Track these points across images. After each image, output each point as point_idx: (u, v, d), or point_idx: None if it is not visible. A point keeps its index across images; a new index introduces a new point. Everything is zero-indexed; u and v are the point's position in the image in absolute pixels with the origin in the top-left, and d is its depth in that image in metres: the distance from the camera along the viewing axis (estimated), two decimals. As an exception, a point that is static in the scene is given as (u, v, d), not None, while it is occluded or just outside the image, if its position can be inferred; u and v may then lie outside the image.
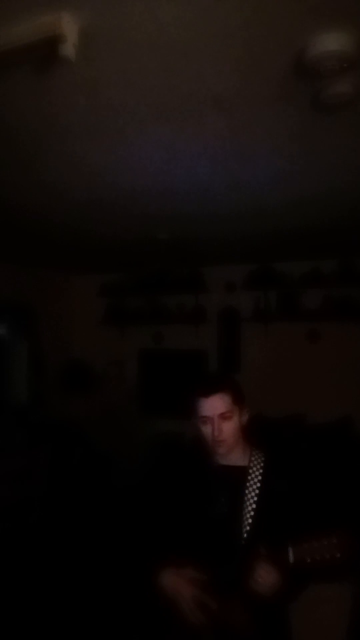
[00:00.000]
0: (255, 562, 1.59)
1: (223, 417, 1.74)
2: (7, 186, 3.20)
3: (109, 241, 4.84)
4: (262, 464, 1.80)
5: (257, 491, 1.74)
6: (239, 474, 1.78)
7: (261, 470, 1.79)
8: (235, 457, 1.80)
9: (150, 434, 5.82)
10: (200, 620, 1.64)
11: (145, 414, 6.18)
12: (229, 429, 1.75)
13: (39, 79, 1.86)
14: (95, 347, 6.58)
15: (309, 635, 1.87)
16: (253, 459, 1.81)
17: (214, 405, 1.74)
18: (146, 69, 1.82)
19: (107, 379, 6.47)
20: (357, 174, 2.96)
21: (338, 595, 1.99)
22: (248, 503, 1.73)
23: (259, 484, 1.76)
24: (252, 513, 1.71)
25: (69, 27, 1.52)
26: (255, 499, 1.73)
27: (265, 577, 1.57)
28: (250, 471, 1.78)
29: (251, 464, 1.80)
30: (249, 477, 1.77)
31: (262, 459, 1.82)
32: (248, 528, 1.70)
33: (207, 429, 1.75)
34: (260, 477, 1.77)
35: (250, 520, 1.71)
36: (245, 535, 1.70)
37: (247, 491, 1.75)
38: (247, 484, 1.76)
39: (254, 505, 1.72)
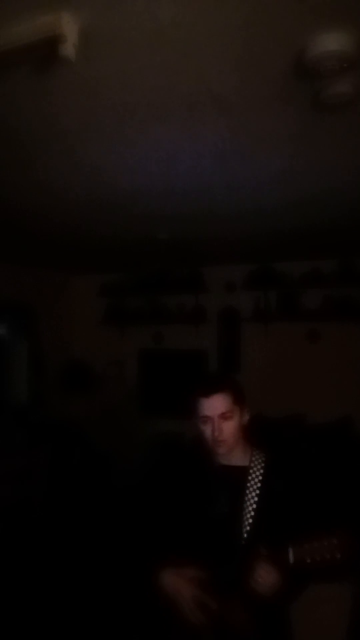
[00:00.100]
0: (255, 562, 1.59)
1: (223, 417, 1.74)
2: (7, 186, 3.20)
3: (109, 241, 4.84)
4: (262, 464, 1.80)
5: (257, 491, 1.74)
6: (240, 474, 1.78)
7: (262, 471, 1.78)
8: (236, 457, 1.80)
9: (150, 434, 5.82)
10: (200, 620, 1.64)
11: (145, 414, 6.18)
12: (229, 429, 1.75)
13: (39, 79, 1.86)
14: (95, 347, 6.58)
15: (309, 635, 1.87)
16: (254, 459, 1.81)
17: (215, 405, 1.74)
18: (146, 69, 1.82)
19: (107, 379, 6.47)
20: (357, 174, 2.96)
21: (338, 595, 1.99)
22: (248, 503, 1.73)
23: (259, 484, 1.76)
24: (252, 513, 1.72)
25: (69, 27, 1.52)
26: (256, 499, 1.73)
27: (265, 577, 1.57)
28: (251, 471, 1.78)
29: (252, 464, 1.80)
30: (250, 477, 1.77)
31: (263, 459, 1.82)
32: (248, 528, 1.70)
33: (207, 429, 1.75)
34: (260, 477, 1.77)
35: (250, 520, 1.71)
36: (245, 535, 1.70)
37: (247, 491, 1.75)
38: (248, 484, 1.76)
39: (254, 506, 1.72)
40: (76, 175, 3.01)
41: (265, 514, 1.71)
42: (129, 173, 2.94)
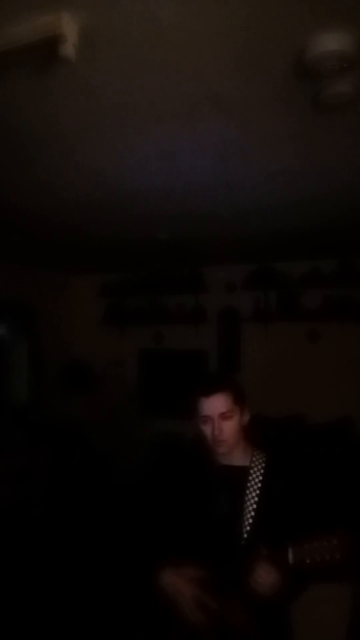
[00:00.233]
0: (255, 562, 1.59)
1: (223, 416, 1.74)
2: (7, 186, 3.20)
3: (109, 241, 4.84)
4: (263, 464, 1.80)
5: (257, 491, 1.74)
6: (240, 474, 1.78)
7: (262, 471, 1.78)
8: (236, 457, 1.80)
9: (150, 434, 5.82)
10: (200, 620, 1.64)
11: (145, 414, 6.18)
12: (229, 429, 1.75)
13: (39, 79, 1.86)
14: (95, 347, 6.58)
15: (309, 635, 1.87)
16: (254, 459, 1.81)
17: (215, 404, 1.74)
18: (146, 69, 1.82)
19: (107, 379, 6.47)
20: (357, 174, 2.96)
21: (338, 595, 1.99)
22: (249, 503, 1.73)
23: (259, 484, 1.76)
24: (252, 513, 1.72)
25: (69, 27, 1.52)
26: (256, 499, 1.73)
27: (265, 577, 1.57)
28: (251, 471, 1.78)
29: (252, 464, 1.80)
30: (250, 478, 1.77)
31: (263, 459, 1.82)
32: (248, 528, 1.70)
33: (207, 429, 1.75)
34: (261, 478, 1.77)
35: (250, 521, 1.71)
36: (245, 535, 1.70)
37: (247, 491, 1.75)
38: (248, 484, 1.76)
39: (254, 506, 1.72)
40: (76, 175, 3.01)
41: (266, 514, 1.71)
42: (129, 173, 2.94)
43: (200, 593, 1.66)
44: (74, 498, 5.08)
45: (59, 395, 6.14)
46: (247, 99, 2.06)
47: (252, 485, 1.76)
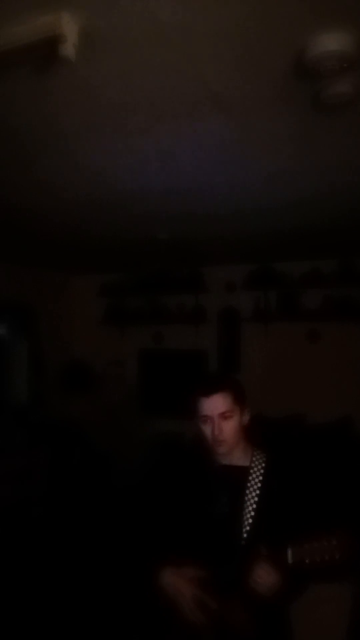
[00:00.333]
0: (254, 562, 1.59)
1: (223, 416, 1.74)
2: (7, 186, 3.20)
3: (109, 241, 4.84)
4: (263, 465, 1.80)
5: (257, 491, 1.74)
6: (240, 474, 1.78)
7: (262, 471, 1.78)
8: (237, 457, 1.80)
9: (150, 434, 5.82)
10: (200, 620, 1.64)
11: (145, 414, 6.18)
12: (229, 429, 1.75)
13: (39, 79, 1.86)
14: (95, 347, 6.58)
15: (309, 635, 1.87)
16: (254, 459, 1.81)
17: (215, 404, 1.74)
18: (146, 69, 1.82)
19: (107, 379, 6.47)
20: (357, 174, 2.96)
21: (338, 595, 2.00)
22: (248, 503, 1.73)
23: (259, 484, 1.76)
24: (252, 513, 1.71)
25: (69, 27, 1.52)
26: (256, 499, 1.73)
27: (264, 577, 1.57)
28: (252, 471, 1.78)
29: (252, 464, 1.80)
30: (250, 478, 1.77)
31: (263, 459, 1.82)
32: (248, 528, 1.70)
33: (207, 429, 1.75)
34: (261, 478, 1.77)
35: (250, 521, 1.71)
36: (245, 535, 1.70)
37: (247, 491, 1.75)
38: (248, 484, 1.76)
39: (254, 506, 1.72)
40: (76, 175, 3.01)
41: (265, 514, 1.71)
42: (129, 173, 2.94)
43: (200, 593, 1.66)
44: (74, 498, 5.08)
45: (59, 395, 6.14)
46: (247, 99, 2.06)
47: (251, 485, 1.76)
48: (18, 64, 1.74)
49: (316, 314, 5.58)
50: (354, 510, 3.68)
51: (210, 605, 1.64)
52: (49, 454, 5.08)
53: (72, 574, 3.83)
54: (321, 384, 5.50)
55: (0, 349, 6.04)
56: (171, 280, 6.25)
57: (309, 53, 1.67)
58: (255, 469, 1.79)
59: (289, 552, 1.54)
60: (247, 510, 1.72)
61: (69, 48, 1.55)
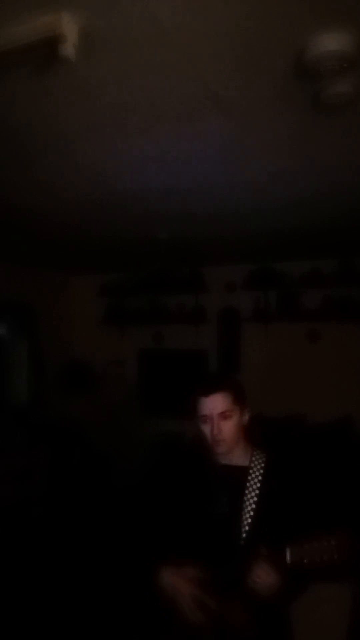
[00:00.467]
0: (254, 562, 1.59)
1: (223, 416, 1.74)
2: (7, 186, 3.20)
3: (109, 241, 4.84)
4: (262, 464, 1.80)
5: (257, 491, 1.74)
6: (240, 474, 1.78)
7: (261, 471, 1.78)
8: (236, 457, 1.80)
9: (150, 434, 5.82)
10: (199, 620, 1.64)
11: (145, 414, 6.18)
12: (228, 428, 1.75)
13: (39, 79, 1.86)
14: (95, 347, 6.58)
15: (309, 635, 1.87)
16: (254, 459, 1.81)
17: (214, 404, 1.74)
18: (146, 69, 1.82)
19: (107, 379, 6.47)
20: (357, 174, 2.96)
21: (338, 595, 2.00)
22: (248, 503, 1.73)
23: (258, 484, 1.76)
24: (251, 513, 1.72)
25: (69, 27, 1.52)
26: (255, 499, 1.73)
27: (263, 577, 1.57)
28: (251, 471, 1.78)
29: (252, 464, 1.80)
30: (249, 477, 1.77)
31: (263, 459, 1.82)
32: (247, 528, 1.70)
33: (206, 428, 1.75)
34: (260, 478, 1.77)
35: (249, 520, 1.71)
36: (244, 535, 1.70)
37: (247, 491, 1.75)
38: (247, 484, 1.76)
39: (253, 506, 1.72)
40: (76, 175, 3.01)
41: (265, 514, 1.71)
42: (129, 173, 2.94)
43: (200, 593, 1.66)
44: (74, 498, 5.08)
45: (59, 395, 6.15)
46: (247, 99, 2.06)
47: (251, 485, 1.76)
48: (18, 64, 1.74)
49: (316, 314, 5.58)
50: (354, 510, 3.68)
51: (210, 605, 1.64)
52: (49, 454, 5.08)
53: (72, 574, 3.83)
54: (321, 384, 5.50)
55: (0, 349, 6.04)
56: (171, 280, 6.25)
57: (309, 53, 1.67)
58: (255, 468, 1.79)
59: (288, 552, 1.54)
60: (246, 510, 1.72)
61: (69, 48, 1.55)
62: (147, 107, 2.11)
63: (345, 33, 1.61)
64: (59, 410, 5.89)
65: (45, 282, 6.39)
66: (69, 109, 2.14)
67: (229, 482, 1.77)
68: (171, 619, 1.68)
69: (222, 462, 1.80)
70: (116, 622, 3.09)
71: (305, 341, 5.72)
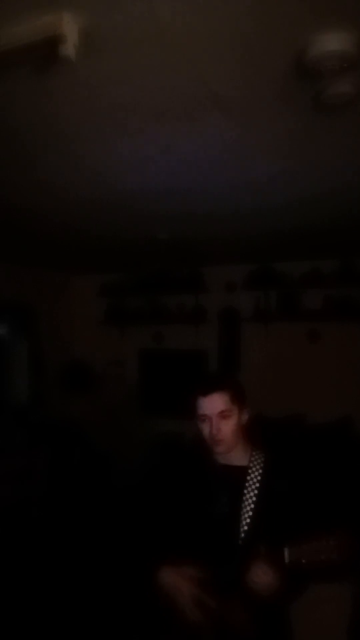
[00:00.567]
0: (252, 562, 1.59)
1: (222, 415, 1.74)
2: (7, 186, 3.20)
3: (109, 241, 4.84)
4: (261, 464, 1.80)
5: (256, 491, 1.74)
6: (239, 474, 1.78)
7: (260, 471, 1.78)
8: (236, 456, 1.80)
9: (150, 434, 5.82)
10: (199, 620, 1.64)
11: (145, 414, 6.18)
12: (228, 428, 1.75)
13: (39, 79, 1.86)
14: (95, 347, 6.58)
15: (309, 635, 1.87)
16: (253, 459, 1.81)
17: (213, 403, 1.74)
18: (146, 69, 1.82)
19: (107, 379, 6.47)
20: (357, 174, 2.96)
21: (338, 595, 2.00)
22: (247, 503, 1.73)
23: (258, 484, 1.76)
24: (250, 513, 1.72)
25: (69, 27, 1.52)
26: (254, 499, 1.73)
27: (262, 576, 1.57)
28: (250, 471, 1.78)
29: (251, 464, 1.80)
30: (249, 477, 1.77)
31: (262, 459, 1.82)
32: (246, 528, 1.70)
33: (206, 428, 1.75)
34: (259, 478, 1.77)
35: (248, 520, 1.71)
36: (243, 535, 1.70)
37: (246, 491, 1.75)
38: (247, 484, 1.76)
39: (252, 506, 1.73)
40: (76, 175, 3.01)
41: (264, 514, 1.71)
42: (129, 173, 2.94)
43: (199, 593, 1.66)
44: (74, 498, 5.08)
45: (59, 395, 6.14)
46: (247, 99, 2.06)
47: (250, 485, 1.76)
48: (18, 64, 1.74)
49: (316, 314, 5.58)
50: (354, 511, 3.68)
51: (210, 605, 1.64)
52: (49, 454, 5.07)
53: (72, 574, 3.83)
54: (321, 384, 5.50)
55: (0, 349, 6.04)
56: (171, 280, 6.25)
57: (310, 53, 1.67)
58: (254, 468, 1.79)
59: (286, 552, 1.54)
60: (245, 510, 1.72)
61: (69, 48, 1.55)
62: (147, 107, 2.11)
63: (345, 33, 1.61)
64: (59, 410, 5.88)
65: (46, 282, 6.39)
66: (69, 109, 2.14)
67: (228, 482, 1.77)
68: (171, 619, 1.68)
69: (222, 462, 1.80)
70: (116, 622, 3.09)
71: (306, 341, 5.71)
